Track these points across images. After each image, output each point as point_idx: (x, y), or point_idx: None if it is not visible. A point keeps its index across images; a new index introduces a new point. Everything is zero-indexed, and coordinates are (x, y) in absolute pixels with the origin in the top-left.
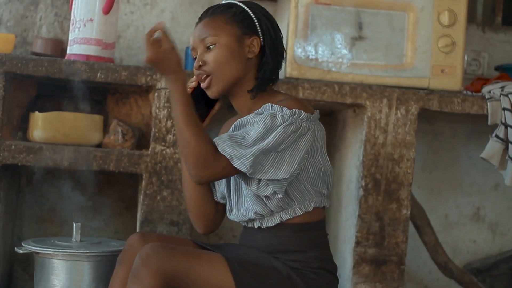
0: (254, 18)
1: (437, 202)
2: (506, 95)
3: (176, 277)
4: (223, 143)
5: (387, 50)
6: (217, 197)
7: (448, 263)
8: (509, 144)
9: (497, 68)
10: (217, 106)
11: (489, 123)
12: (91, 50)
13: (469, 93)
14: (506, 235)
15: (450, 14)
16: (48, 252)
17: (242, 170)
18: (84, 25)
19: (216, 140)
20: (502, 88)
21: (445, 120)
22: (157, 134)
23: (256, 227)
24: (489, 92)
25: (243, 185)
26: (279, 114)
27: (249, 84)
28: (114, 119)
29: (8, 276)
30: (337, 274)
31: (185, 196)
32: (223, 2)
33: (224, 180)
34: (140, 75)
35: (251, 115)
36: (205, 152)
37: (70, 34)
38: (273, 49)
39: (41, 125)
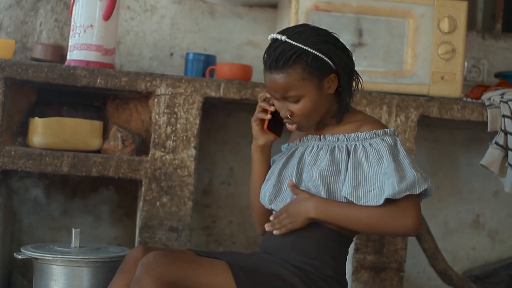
0: (326, 58)
1: (436, 209)
2: (506, 102)
3: (178, 284)
4: (395, 189)
5: (387, 56)
6: None
7: (448, 270)
8: (509, 151)
9: (497, 75)
10: None
11: (489, 130)
12: (91, 56)
13: (469, 100)
14: (505, 242)
15: (450, 21)
16: (47, 258)
17: (426, 188)
18: (84, 31)
19: (386, 195)
20: (502, 95)
21: (445, 127)
22: (156, 140)
23: None
24: (489, 99)
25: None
26: (386, 137)
27: (332, 110)
28: (114, 125)
29: (7, 281)
30: None
31: (252, 204)
32: (282, 38)
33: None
34: (140, 81)
35: (360, 153)
36: (396, 222)
37: (70, 40)
38: (349, 76)
39: (41, 130)
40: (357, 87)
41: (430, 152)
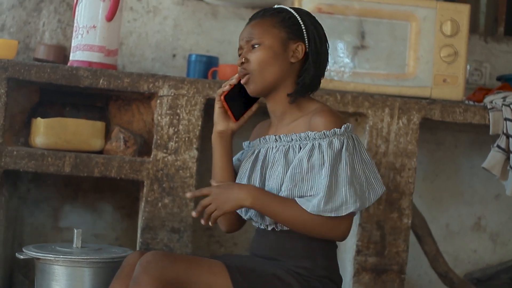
0: (302, 25)
1: (438, 211)
2: (508, 105)
3: (177, 284)
4: (320, 208)
5: (389, 59)
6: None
7: (449, 272)
8: (511, 154)
9: (499, 78)
10: (254, 108)
11: (490, 133)
12: (93, 57)
13: (471, 103)
14: (507, 245)
15: (453, 24)
16: (49, 258)
17: (354, 211)
18: (87, 31)
19: (310, 210)
20: (504, 98)
21: (447, 129)
22: (159, 141)
23: (270, 229)
24: (491, 102)
25: (270, 187)
26: (334, 139)
27: (289, 89)
28: (116, 125)
29: (8, 281)
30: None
31: None
32: (275, 6)
33: (247, 169)
34: (143, 82)
35: (304, 151)
36: (327, 231)
37: (73, 41)
38: (316, 57)
39: (43, 131)
40: (319, 77)
41: (432, 155)
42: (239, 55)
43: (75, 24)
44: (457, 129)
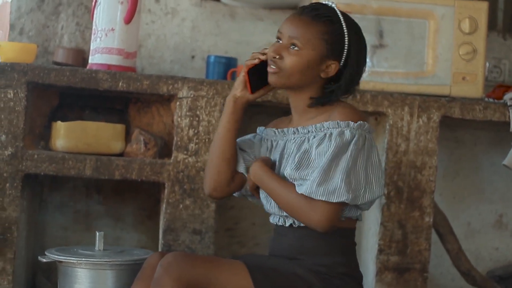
0: (346, 46)
1: (459, 209)
2: None
3: (197, 284)
4: (312, 189)
5: (408, 58)
6: (239, 169)
7: (471, 270)
8: None
9: None
10: (272, 86)
11: (511, 130)
12: (112, 60)
13: (491, 100)
14: None
15: (471, 22)
16: (72, 261)
17: (344, 201)
18: (106, 34)
19: (303, 191)
20: None
21: (467, 127)
22: (179, 143)
23: (287, 225)
24: (511, 99)
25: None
26: (346, 130)
27: (313, 91)
28: (136, 128)
29: (31, 284)
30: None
31: (211, 161)
32: (332, 5)
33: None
34: (162, 84)
35: (315, 139)
36: (303, 213)
37: (91, 44)
38: (349, 80)
39: (63, 134)
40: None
41: (452, 153)
42: (277, 38)
43: (93, 27)
44: (477, 126)
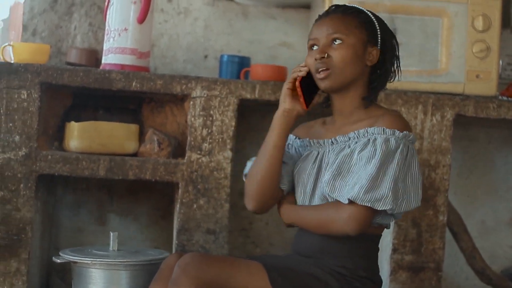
0: (379, 31)
1: (473, 208)
2: None
3: (215, 284)
4: (359, 195)
5: (421, 55)
6: (285, 185)
7: (486, 269)
8: None
9: None
10: (317, 97)
11: None
12: (126, 60)
13: (505, 98)
14: None
15: (485, 19)
16: (86, 262)
17: (386, 209)
18: (119, 34)
19: (349, 196)
20: None
21: (481, 125)
22: (192, 143)
23: None
24: None
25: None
26: (391, 138)
27: (360, 90)
28: (150, 128)
29: (45, 285)
30: None
31: (257, 176)
32: (352, 5)
33: (302, 172)
34: (175, 84)
35: (358, 144)
36: (334, 222)
37: (104, 44)
38: (389, 64)
39: (77, 134)
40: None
41: (466, 151)
42: (311, 46)
43: (106, 27)
44: (491, 124)
